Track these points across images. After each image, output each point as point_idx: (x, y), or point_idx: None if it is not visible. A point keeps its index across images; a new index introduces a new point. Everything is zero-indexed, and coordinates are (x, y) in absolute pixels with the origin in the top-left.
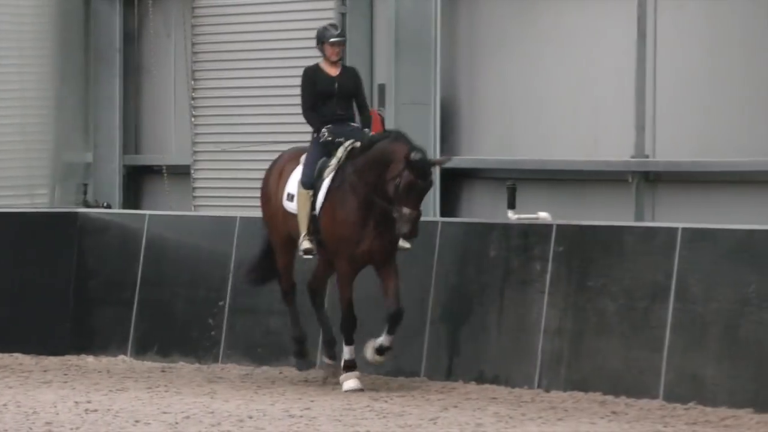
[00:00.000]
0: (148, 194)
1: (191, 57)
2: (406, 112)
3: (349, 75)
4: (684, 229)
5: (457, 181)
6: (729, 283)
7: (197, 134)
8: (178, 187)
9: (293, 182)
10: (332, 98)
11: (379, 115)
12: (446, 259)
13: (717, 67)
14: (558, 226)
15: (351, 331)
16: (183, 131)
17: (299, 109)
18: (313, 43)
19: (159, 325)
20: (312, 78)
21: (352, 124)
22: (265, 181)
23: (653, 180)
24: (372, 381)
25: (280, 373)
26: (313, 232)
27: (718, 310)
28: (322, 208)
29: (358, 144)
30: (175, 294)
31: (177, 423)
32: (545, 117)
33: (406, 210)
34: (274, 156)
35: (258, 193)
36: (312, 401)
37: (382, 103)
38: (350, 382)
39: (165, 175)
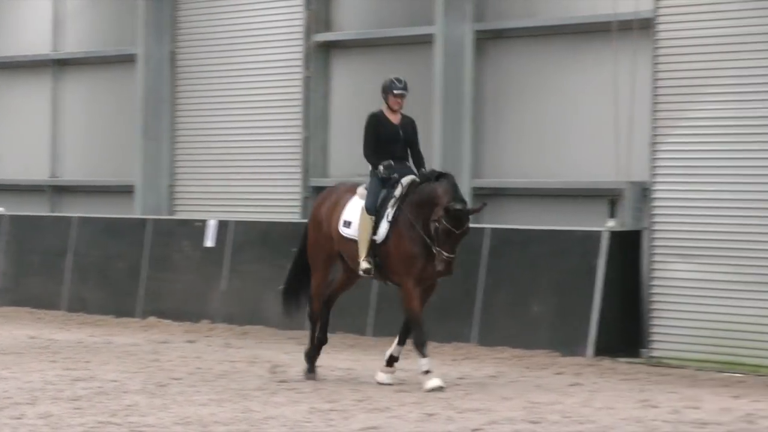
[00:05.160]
0: None
1: None
2: None
3: (409, 123)
4: None
5: None
6: None
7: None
8: None
9: (350, 211)
10: (397, 142)
11: None
12: None
13: None
14: None
15: (424, 345)
16: None
17: None
18: None
19: None
20: (376, 124)
21: (407, 164)
22: (317, 209)
23: None
24: None
25: None
26: (371, 255)
27: None
28: (387, 235)
29: (415, 179)
30: None
31: None
32: None
33: (441, 251)
34: None
35: None
36: None
37: None
38: (434, 381)
39: None
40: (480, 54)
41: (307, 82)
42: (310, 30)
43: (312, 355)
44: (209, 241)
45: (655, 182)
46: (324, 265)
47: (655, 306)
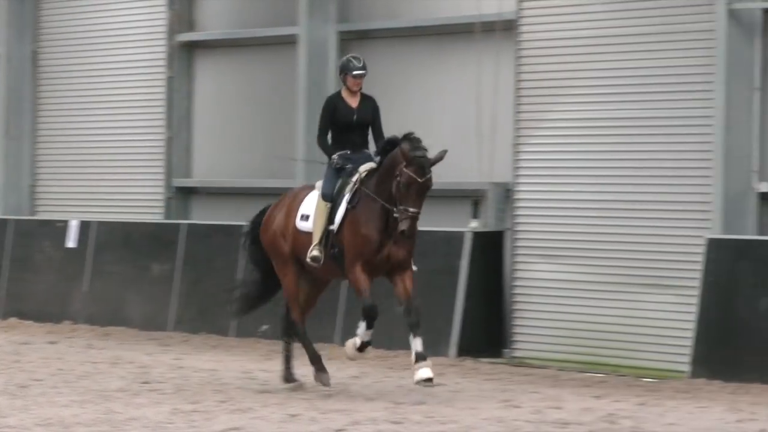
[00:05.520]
0: None
1: None
2: None
3: (368, 105)
4: None
5: None
6: None
7: None
8: None
9: (308, 204)
10: (351, 127)
11: None
12: None
13: None
14: None
15: (374, 318)
16: None
17: None
18: None
19: None
20: (333, 107)
21: (366, 151)
22: (273, 208)
23: None
24: None
25: None
26: (325, 245)
27: None
28: (342, 222)
29: (374, 165)
30: None
31: None
32: None
33: (405, 208)
34: None
35: None
36: None
37: None
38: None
39: None
40: (344, 54)
41: (170, 82)
42: (173, 30)
43: (315, 359)
44: (71, 242)
45: (517, 183)
46: (290, 267)
47: (517, 306)
